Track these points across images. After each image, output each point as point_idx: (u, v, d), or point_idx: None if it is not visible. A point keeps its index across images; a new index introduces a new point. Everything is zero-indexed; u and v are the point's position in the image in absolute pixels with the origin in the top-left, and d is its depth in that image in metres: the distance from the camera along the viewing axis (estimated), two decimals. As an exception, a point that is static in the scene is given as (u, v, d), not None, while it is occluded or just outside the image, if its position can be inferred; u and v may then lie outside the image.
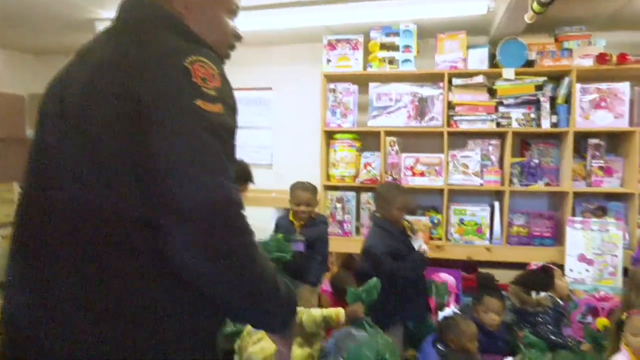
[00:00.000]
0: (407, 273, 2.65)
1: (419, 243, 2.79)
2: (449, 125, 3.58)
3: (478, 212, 3.58)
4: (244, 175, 3.11)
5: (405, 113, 3.64)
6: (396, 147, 3.69)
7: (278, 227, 3.20)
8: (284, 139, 4.21)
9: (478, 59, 3.54)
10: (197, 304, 0.91)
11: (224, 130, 0.89)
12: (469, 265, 3.66)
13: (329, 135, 3.82)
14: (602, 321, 3.07)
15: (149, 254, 0.86)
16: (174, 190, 0.82)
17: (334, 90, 3.77)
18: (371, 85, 3.71)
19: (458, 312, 2.47)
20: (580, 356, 2.73)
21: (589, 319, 3.21)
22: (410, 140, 3.85)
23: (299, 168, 4.00)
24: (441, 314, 2.47)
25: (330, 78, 3.80)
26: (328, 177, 3.80)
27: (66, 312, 0.87)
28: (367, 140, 3.82)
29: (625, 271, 3.25)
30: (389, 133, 3.70)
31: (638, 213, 3.40)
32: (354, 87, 3.76)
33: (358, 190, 3.79)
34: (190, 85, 0.86)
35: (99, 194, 0.86)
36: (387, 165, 3.68)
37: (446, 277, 3.48)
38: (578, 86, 3.40)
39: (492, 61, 3.55)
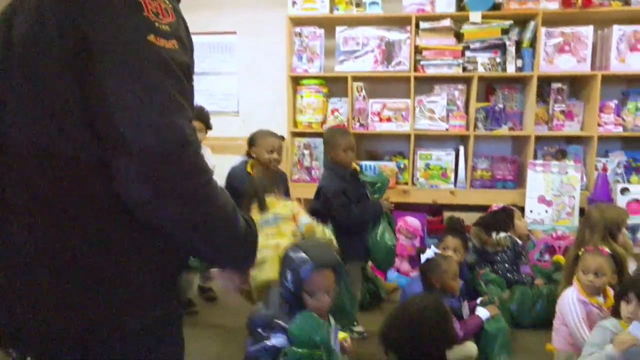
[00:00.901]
0: (359, 216, 2.70)
1: None
2: (415, 70, 3.56)
3: (443, 157, 3.64)
4: (201, 119, 3.07)
5: (372, 58, 3.60)
6: (363, 93, 3.67)
7: (232, 179, 2.89)
8: (250, 86, 4.13)
9: (445, 2, 3.49)
10: (157, 245, 0.91)
11: (179, 67, 0.85)
12: (434, 209, 3.75)
13: (296, 81, 3.76)
14: (558, 258, 3.23)
15: (107, 198, 0.84)
16: (124, 130, 0.79)
17: (300, 34, 3.68)
18: (338, 29, 3.64)
19: (439, 252, 2.53)
20: (535, 290, 2.89)
21: (547, 257, 3.37)
22: (377, 85, 3.83)
23: (266, 115, 3.95)
24: (423, 257, 2.52)
25: (296, 21, 3.70)
26: (295, 123, 3.77)
27: (24, 262, 0.85)
28: (334, 85, 3.79)
29: (582, 211, 3.38)
30: (356, 78, 3.67)
31: (596, 155, 3.51)
32: (320, 31, 3.68)
33: (325, 136, 3.78)
34: (142, 19, 0.81)
35: (50, 137, 0.83)
36: (354, 111, 3.67)
37: (412, 220, 3.57)
38: (543, 30, 3.41)
39: (459, 4, 3.51)
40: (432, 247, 2.51)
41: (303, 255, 1.71)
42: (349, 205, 2.68)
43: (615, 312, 2.05)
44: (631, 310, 1.89)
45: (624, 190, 3.40)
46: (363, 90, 3.67)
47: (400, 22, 3.56)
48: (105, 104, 0.79)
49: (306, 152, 3.75)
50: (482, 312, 2.38)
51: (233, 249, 0.98)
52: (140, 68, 0.80)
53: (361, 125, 3.65)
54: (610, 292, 2.38)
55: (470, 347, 2.27)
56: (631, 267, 2.71)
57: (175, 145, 0.82)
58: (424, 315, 1.81)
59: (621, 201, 3.35)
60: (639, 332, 1.82)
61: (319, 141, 3.77)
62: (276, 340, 1.61)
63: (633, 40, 3.37)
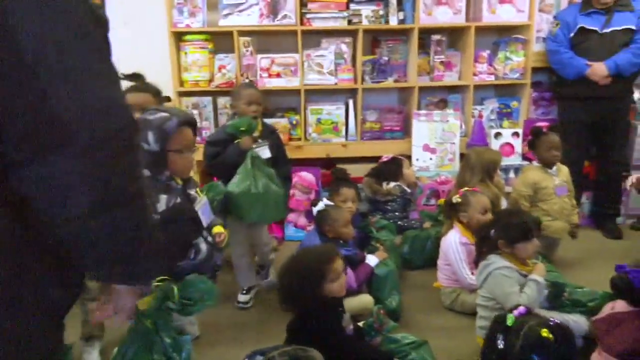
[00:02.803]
0: (221, 162, 2.55)
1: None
2: (302, 23, 3.52)
3: (334, 111, 3.69)
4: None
5: (258, 11, 3.50)
6: (250, 48, 3.57)
7: None
8: (129, 43, 3.83)
9: (328, -47, 3.45)
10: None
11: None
12: (327, 163, 3.82)
13: (178, 37, 3.56)
14: (442, 202, 3.45)
15: None
16: (64, 110, 0.62)
17: (179, -14, 3.46)
18: (219, -20, 3.47)
19: (330, 203, 2.58)
20: (424, 233, 3.09)
21: (432, 201, 3.60)
22: (264, 40, 3.75)
23: (149, 74, 3.70)
24: (315, 209, 2.57)
25: (174, -28, 3.47)
26: (181, 82, 3.60)
27: None
28: (220, 41, 3.64)
29: (462, 156, 3.63)
30: (242, 33, 3.55)
31: (472, 103, 3.76)
32: (201, -18, 3.49)
33: (214, 94, 3.66)
34: None
35: None
36: (243, 67, 3.57)
37: (306, 175, 3.62)
38: (422, -18, 3.51)
39: (342, -45, 3.48)
40: (324, 199, 2.57)
41: (164, 113, 1.68)
42: (216, 154, 2.56)
43: (481, 249, 2.23)
44: (537, 244, 2.11)
45: (497, 135, 3.69)
46: (250, 45, 3.57)
47: (283, -26, 3.47)
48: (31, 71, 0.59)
49: (195, 111, 3.61)
50: (372, 259, 2.50)
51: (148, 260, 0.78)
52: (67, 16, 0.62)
53: (250, 81, 3.57)
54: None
55: (366, 298, 2.38)
56: (503, 204, 2.98)
57: (128, 131, 0.64)
58: (308, 263, 1.84)
59: (495, 145, 3.64)
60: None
61: (207, 100, 3.65)
62: None
63: (502, -7, 3.58)
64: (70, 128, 0.60)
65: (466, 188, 2.71)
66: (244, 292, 2.63)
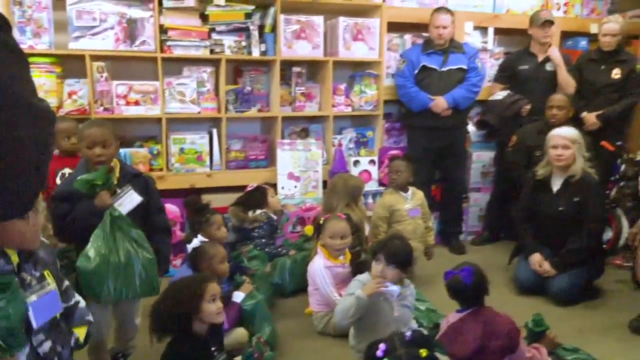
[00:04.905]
0: (72, 221, 2.02)
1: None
2: (162, 50, 3.42)
3: (197, 140, 3.61)
4: None
5: (113, 35, 3.32)
6: (105, 74, 3.36)
7: None
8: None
9: (188, -19, 3.41)
10: None
11: None
12: (192, 193, 3.71)
13: (20, 59, 3.22)
14: (308, 228, 3.55)
15: None
16: None
17: (20, 4, 3.15)
18: (68, 0, 3.23)
19: (205, 240, 2.48)
20: (291, 259, 3.14)
21: (299, 228, 3.68)
22: (120, 65, 3.56)
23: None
24: (189, 246, 2.45)
25: (14, -12, 3.15)
26: (23, 108, 3.24)
27: None
28: (70, 64, 3.37)
29: (325, 183, 3.79)
30: (95, 57, 3.34)
31: (332, 133, 3.95)
32: (47, 1, 3.21)
33: (63, 122, 3.36)
34: None
35: None
36: (96, 93, 3.34)
37: (170, 207, 3.46)
38: (282, 17, 3.63)
39: (203, -15, 3.48)
40: (199, 235, 2.48)
41: None
42: (66, 213, 2.02)
43: (356, 267, 2.36)
44: (380, 269, 2.16)
45: (356, 162, 3.92)
46: (105, 70, 3.36)
47: (141, -1, 3.35)
48: None
49: (41, 141, 3.27)
50: (238, 296, 2.45)
51: None
52: None
53: (106, 109, 3.35)
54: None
55: (240, 332, 2.34)
56: (366, 228, 3.16)
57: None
58: (187, 283, 1.88)
59: (354, 172, 3.86)
60: (391, 288, 2.14)
61: (55, 128, 3.33)
62: None
63: (355, 31, 3.85)
64: (26, 145, 0.71)
65: (331, 214, 2.82)
66: None
